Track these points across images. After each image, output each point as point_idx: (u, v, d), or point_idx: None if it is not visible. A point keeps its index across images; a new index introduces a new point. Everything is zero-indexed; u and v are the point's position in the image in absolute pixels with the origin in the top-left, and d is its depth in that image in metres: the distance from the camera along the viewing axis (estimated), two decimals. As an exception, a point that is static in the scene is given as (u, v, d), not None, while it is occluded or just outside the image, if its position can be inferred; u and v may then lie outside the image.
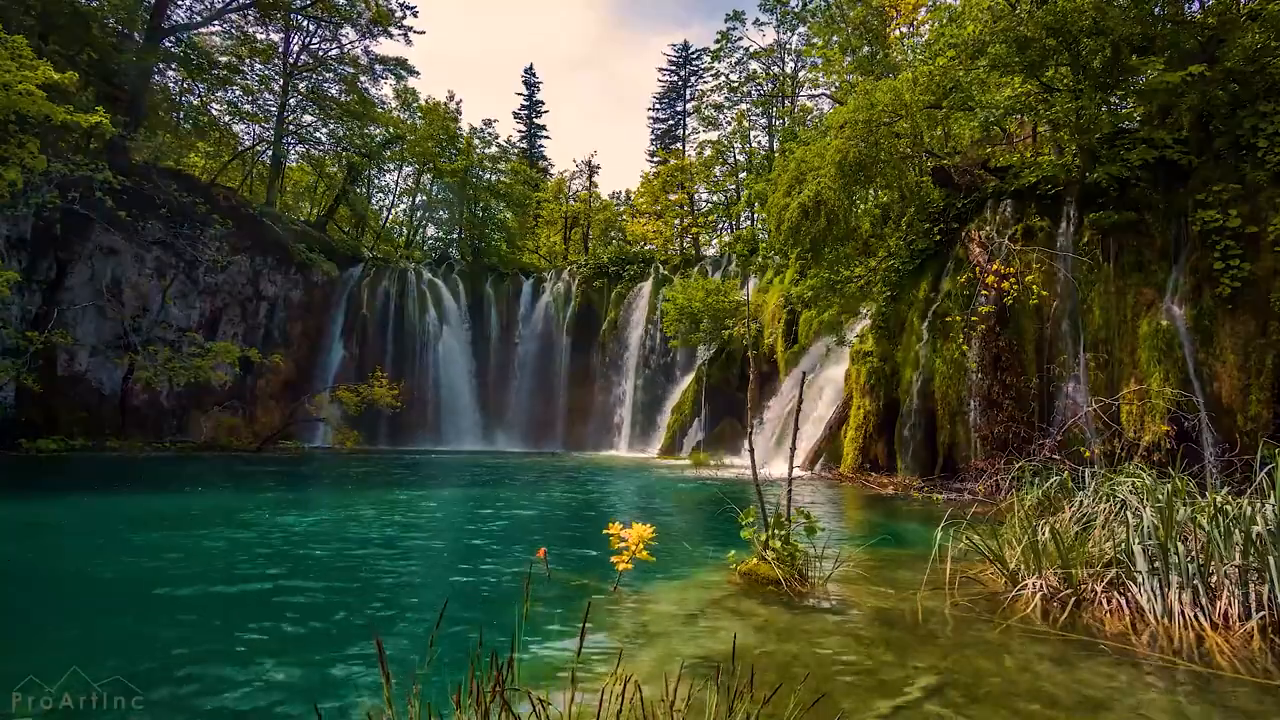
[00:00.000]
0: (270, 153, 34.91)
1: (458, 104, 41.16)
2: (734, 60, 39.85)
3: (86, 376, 23.09)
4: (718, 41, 39.95)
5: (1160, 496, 5.10)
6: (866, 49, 27.26)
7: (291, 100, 33.93)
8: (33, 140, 17.86)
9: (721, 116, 41.58)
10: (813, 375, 19.50)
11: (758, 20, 38.34)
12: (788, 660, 3.72)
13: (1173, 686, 3.43)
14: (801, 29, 36.99)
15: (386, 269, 33.55)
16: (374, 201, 44.98)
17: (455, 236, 43.08)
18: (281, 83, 33.18)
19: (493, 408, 33.07)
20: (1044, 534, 5.17)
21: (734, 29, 38.84)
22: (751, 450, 6.49)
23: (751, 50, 39.14)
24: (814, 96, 36.56)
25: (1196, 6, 14.05)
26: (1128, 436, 10.97)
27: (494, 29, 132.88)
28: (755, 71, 39.30)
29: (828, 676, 3.47)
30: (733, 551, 5.81)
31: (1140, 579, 4.57)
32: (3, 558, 6.74)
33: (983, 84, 15.08)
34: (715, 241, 42.85)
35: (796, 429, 6.82)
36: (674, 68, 47.13)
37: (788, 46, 38.53)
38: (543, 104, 52.08)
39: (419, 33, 50.45)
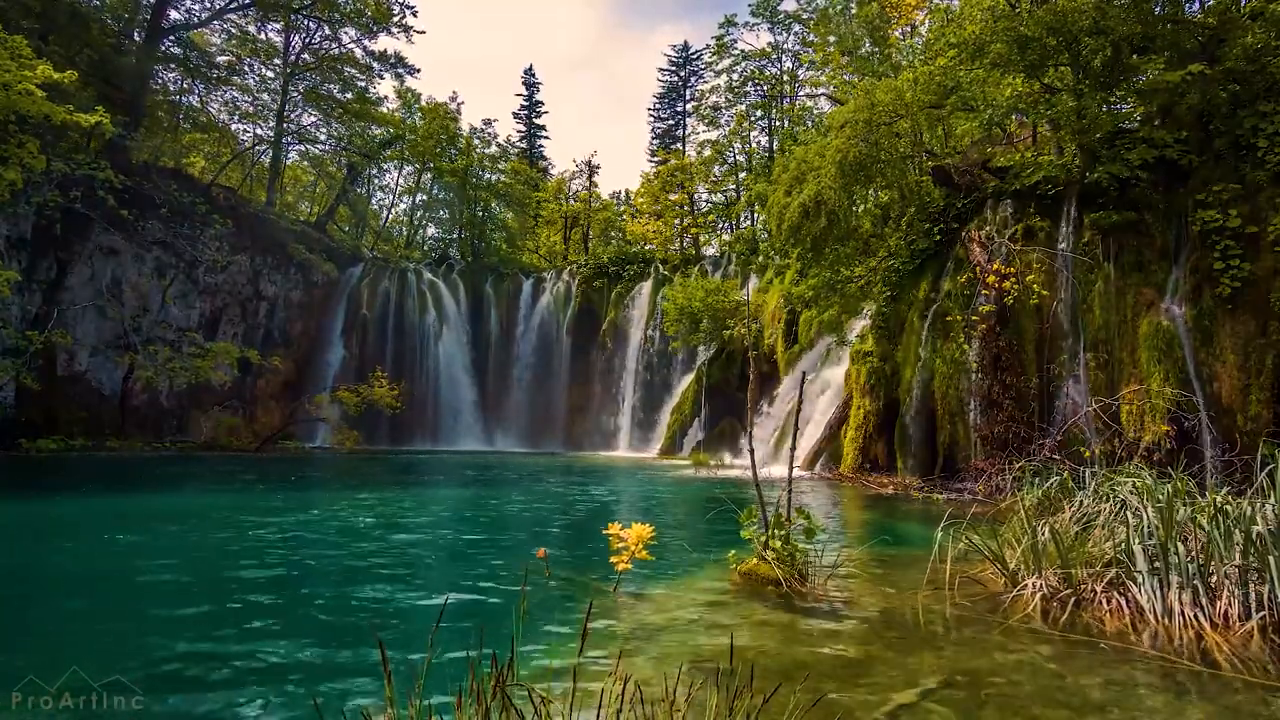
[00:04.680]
0: (270, 153, 34.90)
1: (458, 105, 41.20)
2: (730, 62, 40.01)
3: (86, 376, 23.09)
4: (713, 52, 40.14)
5: (1160, 496, 5.09)
6: (867, 46, 27.24)
7: (291, 100, 33.92)
8: (33, 140, 17.86)
9: (721, 117, 41.68)
10: (813, 375, 19.50)
11: (747, 23, 38.24)
12: (788, 660, 3.72)
13: (1173, 686, 3.43)
14: (797, 28, 37.07)
15: (386, 269, 33.55)
16: (374, 201, 45.03)
17: (455, 236, 43.09)
18: (281, 83, 33.18)
19: (492, 408, 33.07)
20: (1044, 534, 5.17)
21: (727, 34, 39.01)
22: (751, 450, 6.49)
23: (746, 53, 39.27)
24: (813, 96, 36.61)
25: (1196, 6, 14.05)
26: (1128, 436, 10.97)
27: (494, 29, 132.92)
28: (753, 71, 39.37)
29: (828, 676, 3.47)
30: (733, 551, 5.80)
31: (1140, 579, 4.57)
32: (3, 557, 6.73)
33: (983, 84, 15.08)
34: (715, 241, 42.85)
35: (796, 429, 6.82)
36: (674, 68, 47.17)
37: (784, 47, 38.63)
38: (542, 104, 52.09)
39: (419, 32, 50.49)
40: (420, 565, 6.53)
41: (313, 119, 35.80)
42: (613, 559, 5.08)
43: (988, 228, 14.20)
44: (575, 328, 33.92)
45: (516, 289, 35.55)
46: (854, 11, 28.62)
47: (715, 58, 40.60)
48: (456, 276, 35.33)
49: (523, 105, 51.22)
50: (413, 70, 35.59)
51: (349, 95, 34.38)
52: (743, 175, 40.00)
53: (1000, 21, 13.11)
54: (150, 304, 24.85)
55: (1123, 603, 4.54)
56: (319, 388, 28.91)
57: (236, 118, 33.45)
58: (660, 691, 2.53)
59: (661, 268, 34.87)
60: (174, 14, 28.26)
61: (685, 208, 42.57)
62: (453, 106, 40.84)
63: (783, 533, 5.55)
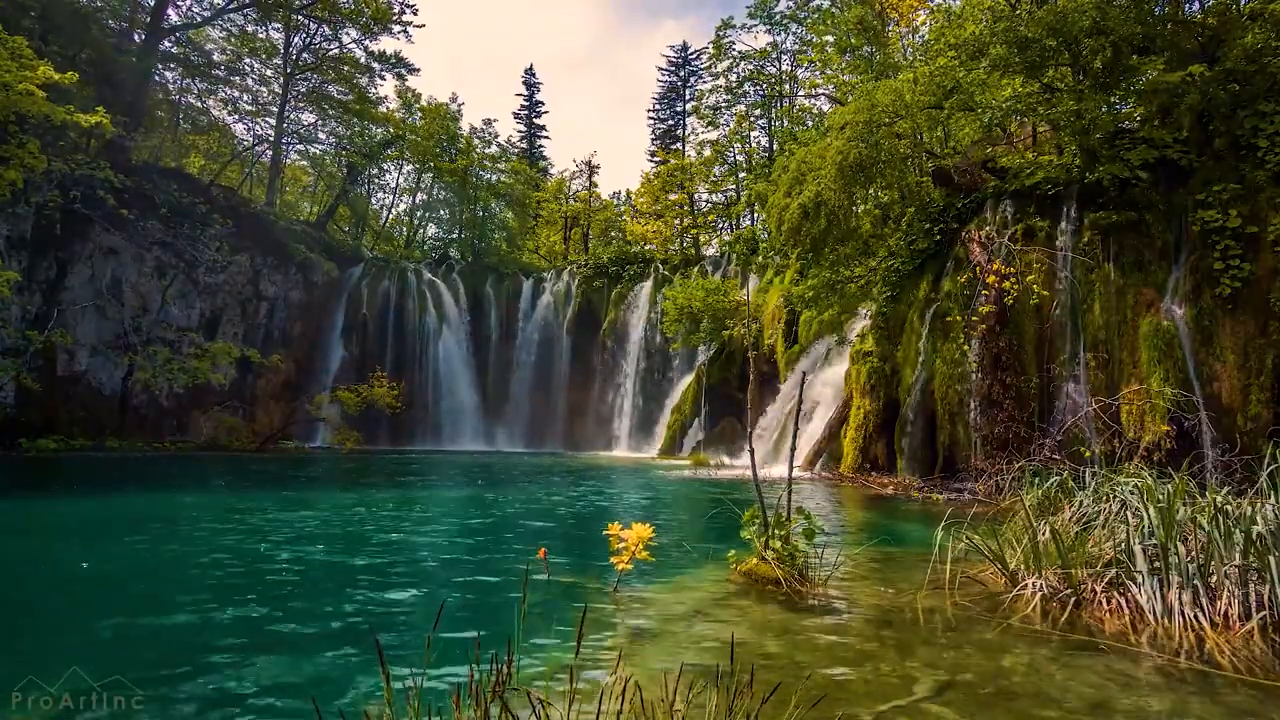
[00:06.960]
0: (270, 153, 34.89)
1: (458, 105, 41.16)
2: (729, 64, 40.02)
3: (86, 376, 23.07)
4: (711, 56, 40.16)
5: (1161, 497, 5.09)
6: (866, 49, 27.21)
7: (292, 99, 33.91)
8: (33, 140, 17.87)
9: (720, 117, 41.65)
10: (813, 375, 19.50)
11: (745, 25, 38.19)
12: (788, 660, 3.72)
13: (1173, 686, 3.42)
14: (795, 28, 37.04)
15: (386, 269, 33.54)
16: (374, 201, 45.00)
17: (455, 236, 43.07)
18: (282, 82, 33.17)
19: (493, 408, 33.06)
20: (1044, 534, 5.16)
21: (724, 36, 39.03)
22: (751, 450, 6.48)
23: (744, 53, 39.28)
24: (813, 96, 36.59)
25: (1196, 6, 14.05)
26: (1128, 436, 10.97)
27: (494, 28, 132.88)
28: (751, 72, 39.35)
29: (828, 676, 3.47)
30: (733, 551, 5.80)
31: (1140, 579, 4.56)
32: (3, 557, 6.73)
33: (983, 84, 15.07)
34: (715, 241, 42.84)
35: (796, 429, 6.82)
36: (673, 68, 47.18)
37: (782, 47, 38.63)
38: (542, 104, 52.13)
39: (419, 26, 50.38)
40: (419, 565, 6.53)
41: (312, 119, 35.80)
42: (613, 559, 5.08)
43: (988, 228, 14.20)
44: (575, 328, 33.91)
45: (516, 289, 35.54)
46: (849, 13, 28.57)
47: (713, 61, 40.65)
48: (456, 276, 35.32)
49: (523, 105, 51.25)
50: (413, 69, 35.55)
51: (349, 95, 34.36)
52: (743, 175, 39.98)
53: (1000, 22, 13.11)
54: (150, 304, 24.83)
55: (1123, 603, 4.54)
56: (319, 388, 28.91)
57: (236, 117, 33.47)
58: (660, 692, 2.53)
59: (661, 268, 34.86)
60: (174, 14, 28.29)
61: (685, 208, 42.56)
62: (453, 106, 40.84)
63: (783, 533, 5.54)
